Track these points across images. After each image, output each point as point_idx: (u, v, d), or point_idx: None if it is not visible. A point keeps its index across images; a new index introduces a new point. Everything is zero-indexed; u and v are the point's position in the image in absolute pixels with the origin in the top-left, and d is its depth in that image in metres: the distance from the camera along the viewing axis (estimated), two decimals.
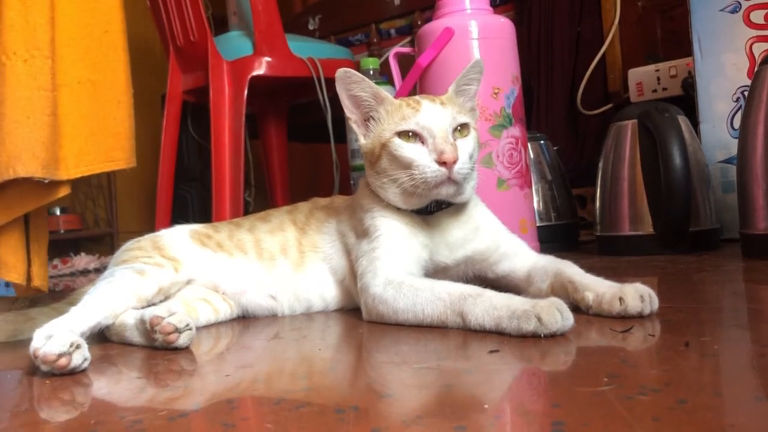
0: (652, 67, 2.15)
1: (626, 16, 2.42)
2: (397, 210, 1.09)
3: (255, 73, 2.05)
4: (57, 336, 0.84)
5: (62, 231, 3.35)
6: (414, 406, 0.64)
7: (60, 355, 0.83)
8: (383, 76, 2.09)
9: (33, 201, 1.15)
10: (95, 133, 1.16)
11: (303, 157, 3.21)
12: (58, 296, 1.26)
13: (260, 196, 2.82)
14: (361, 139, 1.11)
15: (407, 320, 0.97)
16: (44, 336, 0.85)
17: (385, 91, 1.10)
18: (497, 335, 0.85)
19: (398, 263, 1.04)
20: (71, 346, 0.84)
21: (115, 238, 3.38)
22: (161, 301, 1.08)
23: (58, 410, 0.73)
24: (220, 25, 2.46)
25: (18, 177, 1.10)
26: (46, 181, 1.11)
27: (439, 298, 0.93)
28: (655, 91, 2.14)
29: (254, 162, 2.62)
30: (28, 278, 1.22)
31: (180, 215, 1.93)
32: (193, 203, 2.95)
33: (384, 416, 0.62)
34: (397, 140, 1.04)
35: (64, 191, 1.14)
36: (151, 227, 1.92)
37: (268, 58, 2.07)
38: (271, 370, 0.85)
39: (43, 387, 0.82)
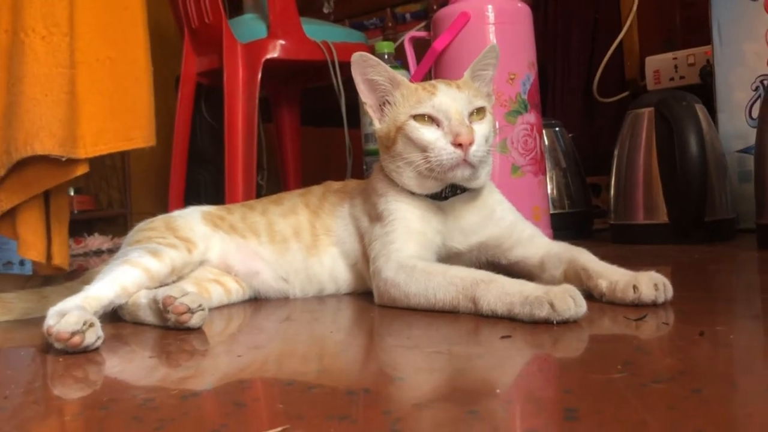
0: (669, 55, 2.12)
1: (645, 2, 2.39)
2: (412, 195, 1.08)
3: (269, 56, 2.04)
4: (71, 314, 0.85)
5: (76, 211, 3.36)
6: (425, 389, 0.64)
7: (73, 334, 0.83)
8: (398, 60, 2.07)
9: (51, 179, 1.15)
10: (114, 111, 1.15)
11: (316, 141, 3.20)
12: (72, 276, 1.26)
13: (273, 180, 2.82)
14: (377, 123, 1.11)
15: (419, 304, 0.97)
16: (58, 314, 0.85)
17: (400, 75, 1.09)
18: (509, 321, 0.85)
19: (411, 248, 1.04)
20: (84, 324, 0.85)
21: (128, 218, 3.40)
22: (174, 282, 1.09)
23: (72, 387, 0.74)
24: (235, 8, 2.45)
25: (35, 154, 1.10)
26: (63, 159, 1.11)
27: (451, 283, 0.93)
28: (672, 79, 2.11)
29: (267, 146, 2.62)
30: (49, 257, 1.22)
31: (193, 197, 1.93)
32: (206, 185, 2.95)
33: (395, 399, 0.62)
34: (412, 123, 1.03)
35: (82, 169, 1.13)
36: (164, 208, 1.92)
37: (282, 41, 2.06)
38: (283, 352, 0.85)
39: (57, 365, 0.82)
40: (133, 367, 0.82)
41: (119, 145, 1.18)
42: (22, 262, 1.58)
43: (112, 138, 1.16)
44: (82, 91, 1.12)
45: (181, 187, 2.27)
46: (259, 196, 1.53)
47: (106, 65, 1.15)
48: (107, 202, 3.62)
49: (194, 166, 2.45)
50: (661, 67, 2.14)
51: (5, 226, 1.21)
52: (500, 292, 0.87)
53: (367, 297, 1.11)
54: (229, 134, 2.01)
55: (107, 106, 1.15)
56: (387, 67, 1.09)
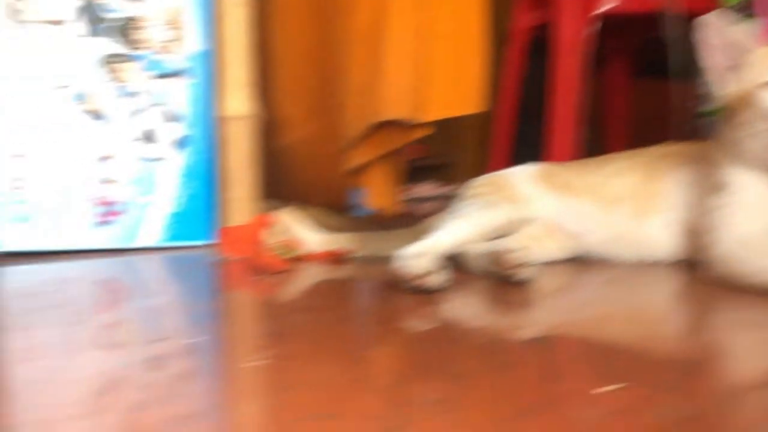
0: None
1: None
2: (754, 169, 1.01)
3: (604, 8, 1.99)
4: (420, 258, 0.97)
5: (410, 160, 3.65)
6: (763, 370, 0.62)
7: (422, 275, 0.95)
8: (748, 10, 1.88)
9: (399, 139, 1.35)
10: (455, 80, 1.29)
11: (648, 96, 3.06)
12: (407, 221, 1.42)
13: (597, 139, 2.77)
14: (720, 89, 1.05)
15: (759, 284, 0.92)
16: (409, 257, 0.98)
17: (754, 39, 1.02)
18: None
19: (752, 223, 0.98)
20: (431, 267, 0.96)
21: (454, 169, 3.60)
22: (505, 236, 1.17)
23: (418, 322, 0.86)
24: None
25: (390, 119, 1.29)
26: (412, 123, 1.28)
27: None
28: None
29: (593, 102, 2.56)
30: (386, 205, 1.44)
31: (517, 153, 1.99)
32: (530, 141, 3.00)
33: (726, 376, 0.62)
34: (763, 93, 0.96)
35: (425, 131, 1.29)
36: (487, 161, 2.02)
37: None
38: (607, 313, 0.88)
39: (404, 300, 0.94)
40: (470, 310, 0.93)
41: (458, 110, 1.33)
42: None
43: (452, 104, 1.30)
44: (432, 63, 1.28)
45: (505, 143, 2.34)
46: (581, 155, 1.54)
47: (451, 39, 1.31)
48: (435, 153, 3.86)
49: (521, 123, 2.50)
50: None
51: (355, 177, 1.44)
52: None
53: (695, 268, 1.07)
54: (557, 90, 2.02)
55: (450, 76, 1.29)
56: (738, 29, 1.02)
